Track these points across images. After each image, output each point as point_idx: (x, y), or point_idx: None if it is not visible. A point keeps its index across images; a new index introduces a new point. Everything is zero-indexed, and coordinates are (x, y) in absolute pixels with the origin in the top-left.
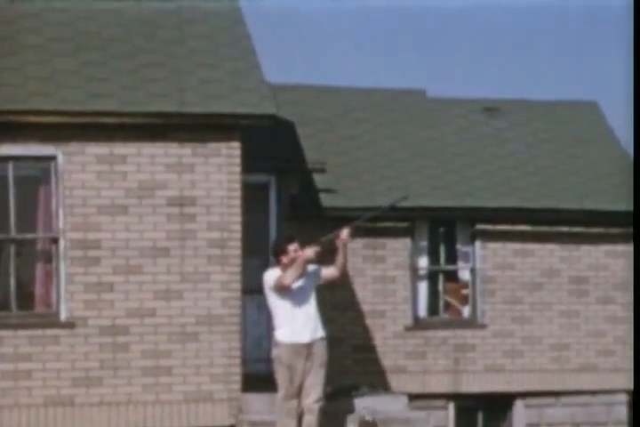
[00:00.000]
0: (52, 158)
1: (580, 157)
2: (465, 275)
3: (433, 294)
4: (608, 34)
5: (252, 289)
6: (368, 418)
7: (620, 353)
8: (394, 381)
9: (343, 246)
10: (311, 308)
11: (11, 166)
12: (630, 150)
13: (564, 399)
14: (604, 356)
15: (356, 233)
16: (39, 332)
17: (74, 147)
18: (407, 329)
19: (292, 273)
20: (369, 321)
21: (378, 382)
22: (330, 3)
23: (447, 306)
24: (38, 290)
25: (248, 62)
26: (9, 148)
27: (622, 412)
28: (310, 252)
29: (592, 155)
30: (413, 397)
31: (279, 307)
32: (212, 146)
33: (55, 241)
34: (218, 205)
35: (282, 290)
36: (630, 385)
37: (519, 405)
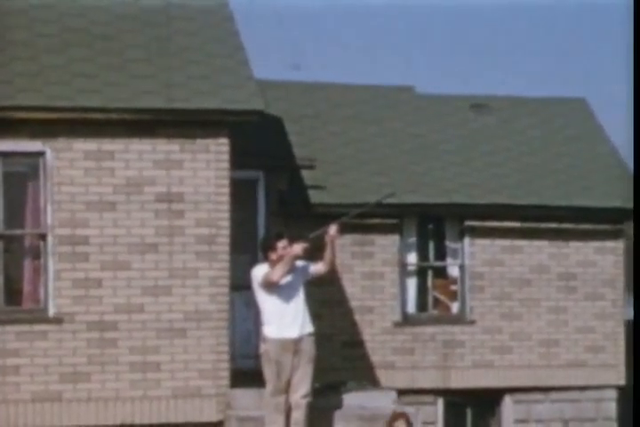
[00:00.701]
0: (41, 154)
1: (568, 154)
2: (454, 271)
3: (422, 291)
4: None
5: (241, 285)
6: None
7: (609, 349)
8: (383, 377)
9: (331, 243)
10: (299, 304)
11: None
12: (624, 149)
13: (553, 395)
14: (592, 352)
15: (345, 229)
16: (27, 327)
17: (62, 143)
18: (396, 325)
19: (279, 269)
20: (357, 317)
21: (367, 377)
22: (320, 0)
23: (436, 302)
24: (26, 286)
25: (236, 59)
26: None
27: (611, 408)
28: (298, 248)
29: (581, 152)
30: (402, 392)
31: (267, 303)
32: (201, 142)
33: (43, 237)
34: (206, 201)
35: (270, 286)
36: (619, 381)
37: (508, 401)
